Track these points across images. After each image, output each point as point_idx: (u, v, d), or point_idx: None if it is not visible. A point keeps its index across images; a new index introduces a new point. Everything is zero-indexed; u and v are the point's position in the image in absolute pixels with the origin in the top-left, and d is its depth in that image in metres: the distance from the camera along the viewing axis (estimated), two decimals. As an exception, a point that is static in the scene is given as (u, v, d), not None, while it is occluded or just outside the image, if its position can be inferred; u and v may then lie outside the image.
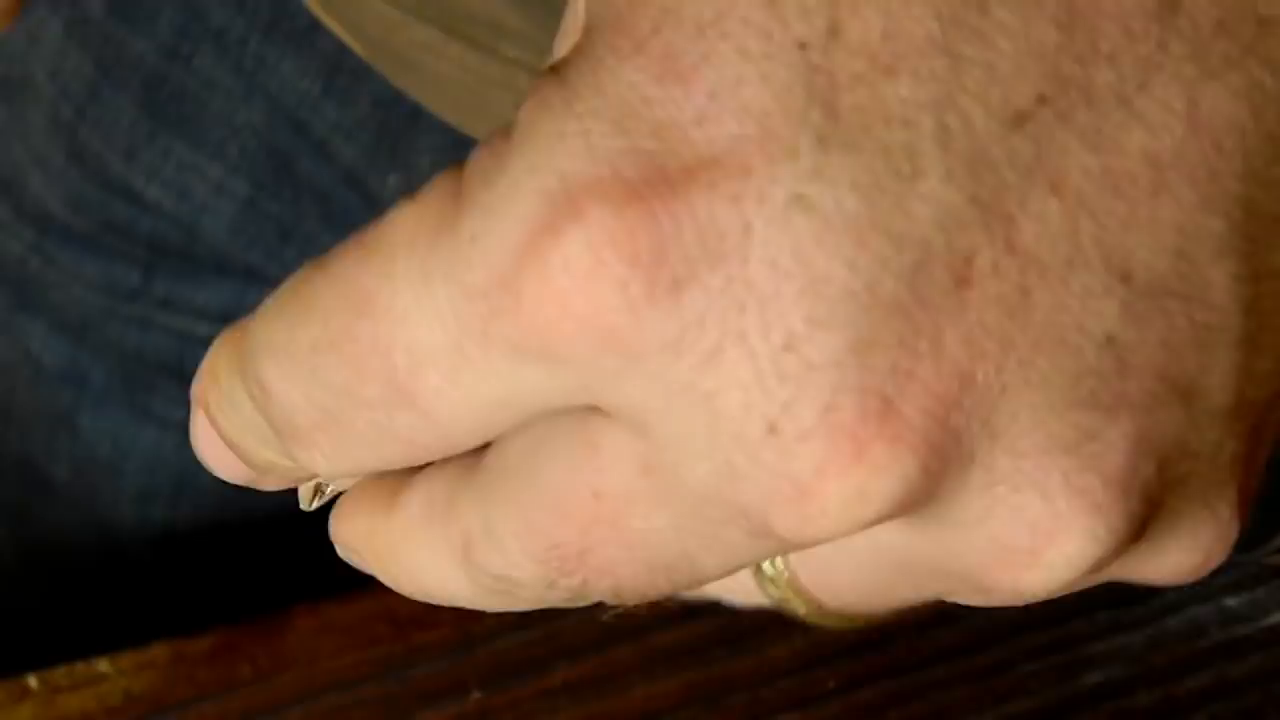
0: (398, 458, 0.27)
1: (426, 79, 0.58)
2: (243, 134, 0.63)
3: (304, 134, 0.62)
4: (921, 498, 0.24)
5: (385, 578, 0.30)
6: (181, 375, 0.67)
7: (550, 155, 0.24)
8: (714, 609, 0.56)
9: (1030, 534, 0.25)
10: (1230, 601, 0.56)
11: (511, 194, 0.24)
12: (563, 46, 0.26)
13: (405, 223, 0.26)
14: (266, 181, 0.63)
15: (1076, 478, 0.25)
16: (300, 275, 0.27)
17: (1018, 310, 0.24)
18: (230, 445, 0.29)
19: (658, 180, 0.23)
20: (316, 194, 0.63)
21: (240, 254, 0.64)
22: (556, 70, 0.25)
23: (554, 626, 0.56)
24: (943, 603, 0.58)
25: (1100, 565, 0.25)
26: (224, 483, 0.30)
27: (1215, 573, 0.33)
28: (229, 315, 0.65)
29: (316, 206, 0.63)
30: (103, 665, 0.54)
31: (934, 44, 0.23)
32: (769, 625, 0.56)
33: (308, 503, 0.32)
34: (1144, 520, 0.25)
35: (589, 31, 0.25)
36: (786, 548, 0.26)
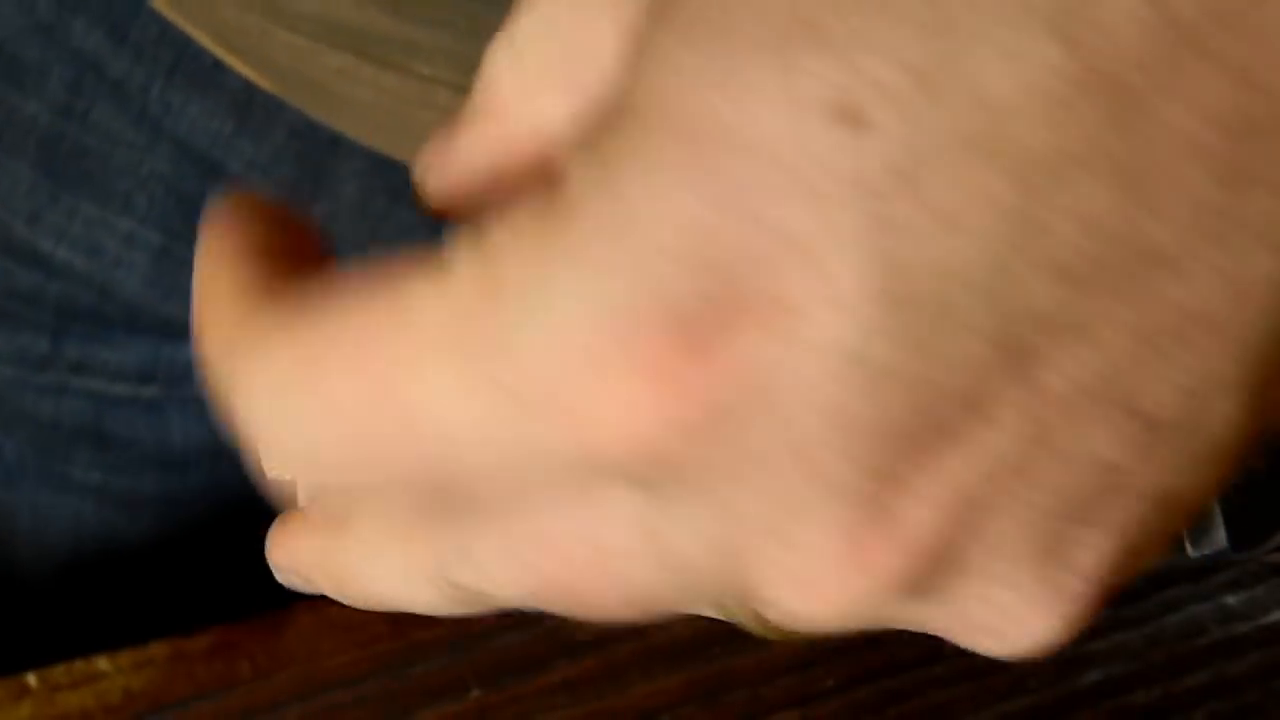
0: (412, 500, 0.27)
1: (343, 106, 0.57)
2: (150, 184, 0.62)
3: (219, 174, 0.61)
4: (909, 595, 0.26)
5: (339, 596, 0.30)
6: (100, 438, 0.66)
7: (601, 281, 0.24)
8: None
9: (999, 617, 0.27)
10: (1229, 599, 0.56)
11: (561, 312, 0.24)
12: (576, 99, 0.27)
13: (431, 310, 0.25)
14: (180, 229, 0.62)
15: (1053, 575, 0.26)
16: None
17: (1034, 442, 0.25)
18: None
19: (712, 317, 0.24)
20: None
21: (156, 307, 0.63)
22: (599, 156, 0.24)
23: (554, 624, 0.56)
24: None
25: (1056, 644, 0.27)
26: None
27: (1215, 570, 0.33)
28: (146, 372, 0.65)
29: None
30: (102, 663, 0.54)
31: (1001, 206, 0.23)
32: (768, 623, 0.56)
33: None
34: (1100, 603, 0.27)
35: (638, 121, 0.24)
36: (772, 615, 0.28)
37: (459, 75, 0.55)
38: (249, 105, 0.60)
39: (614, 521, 0.26)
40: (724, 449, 0.24)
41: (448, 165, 0.30)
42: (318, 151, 0.60)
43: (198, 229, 0.64)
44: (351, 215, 0.60)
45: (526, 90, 0.28)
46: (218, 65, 0.59)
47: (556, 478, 0.25)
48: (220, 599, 0.62)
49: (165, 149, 0.61)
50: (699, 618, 0.56)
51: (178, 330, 0.64)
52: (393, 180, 0.60)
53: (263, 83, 0.58)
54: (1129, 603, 0.57)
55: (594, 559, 0.26)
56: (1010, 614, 0.27)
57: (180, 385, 0.65)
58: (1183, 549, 0.35)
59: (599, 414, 0.24)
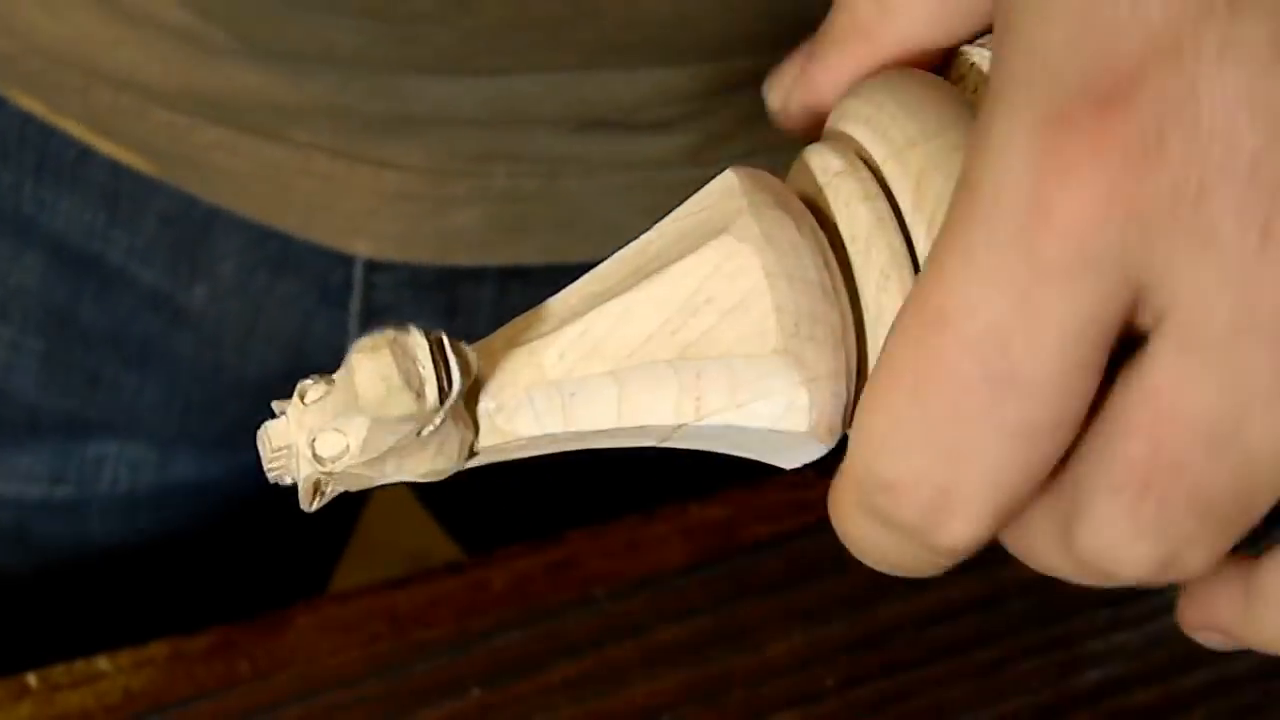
0: (1021, 462, 0.29)
1: (224, 179, 0.57)
2: (19, 296, 0.62)
3: (98, 267, 0.61)
4: None
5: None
6: (26, 544, 0.66)
7: (1030, 94, 0.29)
8: (712, 607, 0.56)
9: None
10: (1229, 599, 0.56)
11: (1009, 138, 0.29)
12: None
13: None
14: (55, 335, 0.62)
15: None
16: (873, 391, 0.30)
17: None
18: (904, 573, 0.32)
19: (1119, 76, 0.28)
20: (106, 335, 0.62)
21: (56, 405, 0.63)
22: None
23: (553, 624, 0.56)
24: (941, 600, 0.59)
25: None
26: None
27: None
28: (58, 473, 0.65)
29: (112, 349, 0.62)
30: (102, 663, 0.54)
31: None
32: (768, 623, 0.56)
33: (308, 504, 0.32)
34: None
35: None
36: None
37: (336, 140, 0.55)
38: (117, 195, 0.59)
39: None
40: (1171, 177, 0.28)
41: (813, 85, 0.35)
42: (192, 232, 0.59)
43: (72, 336, 0.61)
44: (233, 293, 0.60)
45: (886, 9, 0.34)
46: (80, 158, 0.58)
47: (1093, 320, 0.29)
48: (220, 599, 0.62)
49: (34, 256, 0.61)
50: (698, 616, 0.56)
51: (79, 428, 0.64)
52: (272, 252, 0.59)
53: (139, 164, 0.58)
54: (1129, 603, 0.57)
55: None
56: None
57: (91, 483, 0.65)
58: None
59: (1068, 193, 0.29)
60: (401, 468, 0.31)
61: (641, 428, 0.32)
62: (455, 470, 0.32)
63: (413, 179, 0.56)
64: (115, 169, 0.59)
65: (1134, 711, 0.54)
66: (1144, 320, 0.29)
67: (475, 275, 0.60)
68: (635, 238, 0.33)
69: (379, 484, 0.32)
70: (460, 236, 0.58)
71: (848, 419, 0.32)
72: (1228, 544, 0.30)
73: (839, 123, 0.34)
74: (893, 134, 0.32)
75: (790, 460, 0.33)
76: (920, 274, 0.30)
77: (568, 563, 0.58)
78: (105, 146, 0.58)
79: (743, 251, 0.32)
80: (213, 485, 0.67)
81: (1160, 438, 0.29)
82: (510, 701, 0.54)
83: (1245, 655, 0.55)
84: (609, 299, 0.32)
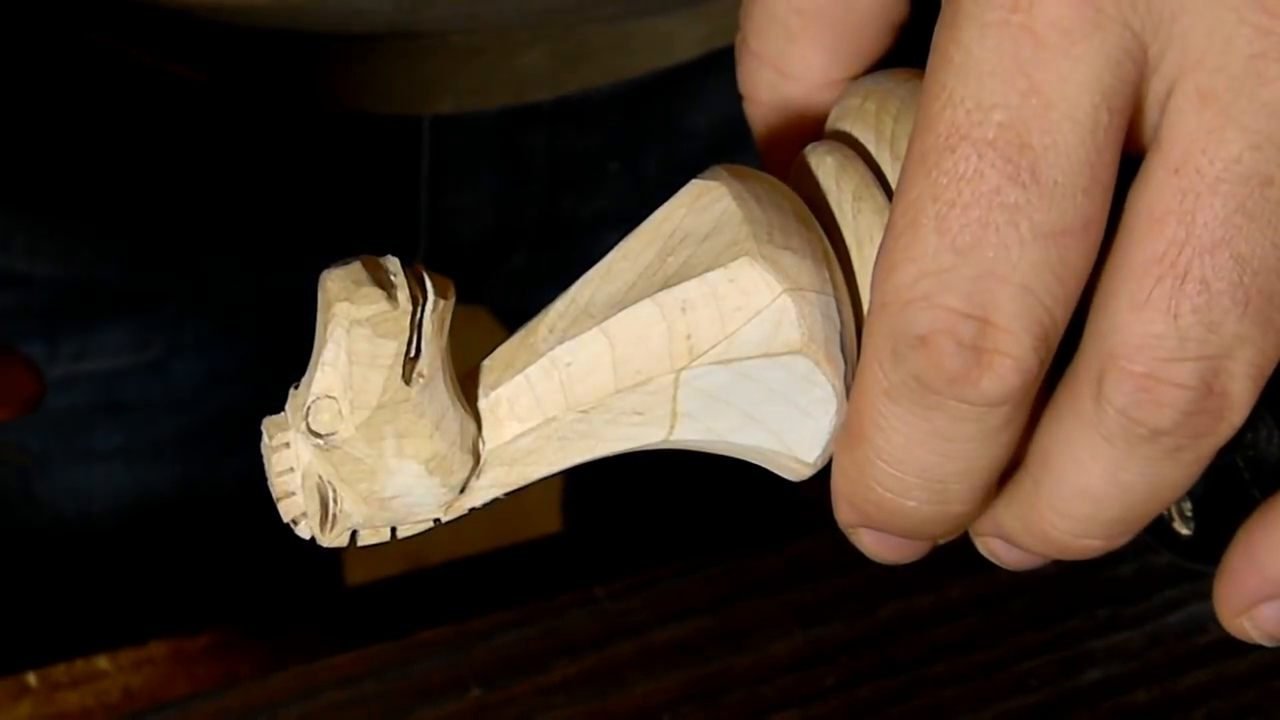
0: (1056, 268, 0.28)
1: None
2: (107, 188, 0.65)
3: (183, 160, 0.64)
4: None
5: None
6: (115, 407, 0.69)
7: None
8: (712, 607, 0.56)
9: None
10: (1229, 599, 0.56)
11: None
12: None
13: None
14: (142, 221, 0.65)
15: None
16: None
17: None
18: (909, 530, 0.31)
19: None
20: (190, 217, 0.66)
21: (140, 282, 0.67)
22: None
23: (553, 623, 0.56)
24: (941, 600, 0.59)
25: None
26: None
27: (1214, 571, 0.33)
28: (138, 341, 0.68)
29: (194, 230, 0.66)
30: (102, 662, 0.54)
31: None
32: (768, 622, 0.56)
33: (320, 528, 0.32)
34: None
35: None
36: None
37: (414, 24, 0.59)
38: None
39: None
40: None
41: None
42: None
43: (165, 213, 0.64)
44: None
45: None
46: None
47: (1115, 83, 0.28)
48: (221, 599, 0.62)
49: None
50: (698, 615, 0.56)
51: (160, 297, 0.67)
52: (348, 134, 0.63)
53: None
54: (1129, 603, 0.57)
55: None
56: None
57: (176, 336, 0.68)
58: (1177, 541, 0.35)
59: None
60: (402, 449, 0.31)
61: (642, 384, 0.31)
62: (462, 482, 0.32)
63: (481, 38, 0.59)
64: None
65: (1134, 711, 0.54)
66: (1157, 89, 0.28)
67: (530, 119, 0.62)
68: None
69: (389, 495, 0.31)
70: (529, 75, 0.60)
71: (850, 353, 0.31)
72: (1276, 347, 0.28)
73: (836, 122, 0.34)
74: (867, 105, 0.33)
75: (801, 442, 0.32)
76: (919, 104, 0.29)
77: (567, 562, 0.58)
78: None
79: (712, 187, 0.32)
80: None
81: (1192, 213, 0.27)
82: (510, 701, 0.54)
83: (1246, 654, 0.55)
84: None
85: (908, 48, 0.35)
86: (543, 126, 0.63)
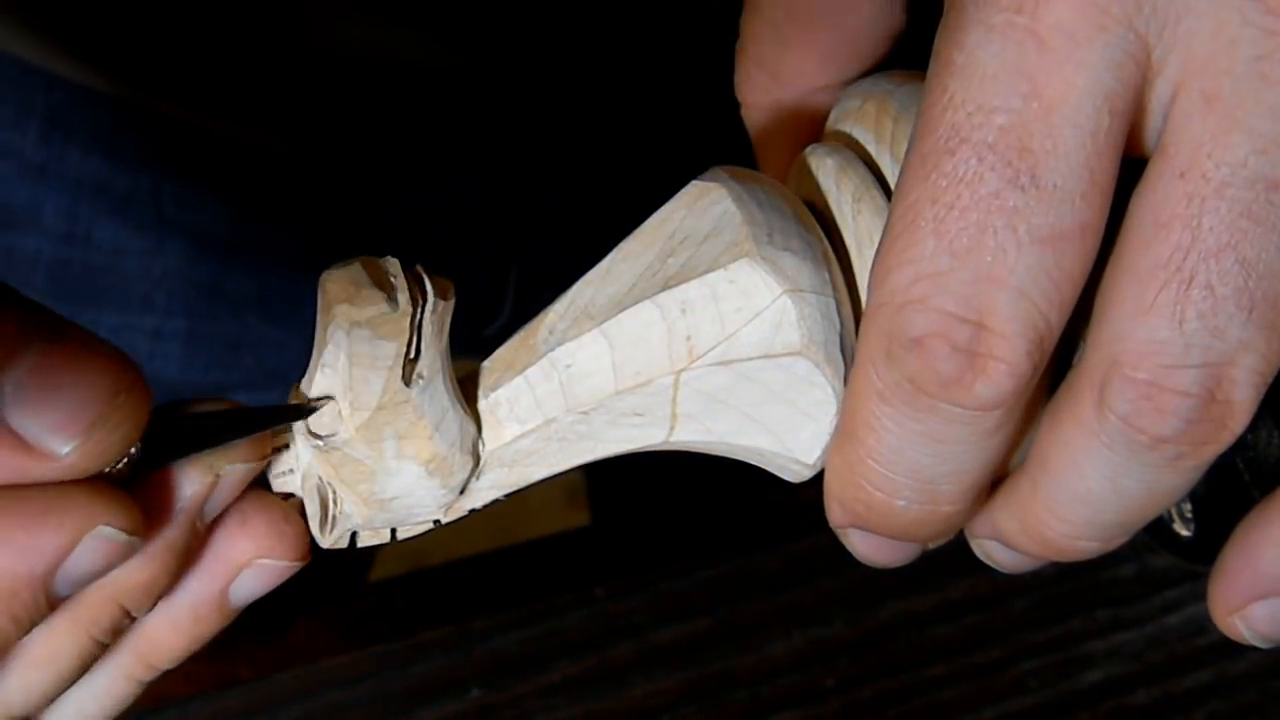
0: (1052, 273, 0.28)
1: None
2: (165, 280, 0.63)
3: (242, 244, 0.63)
4: None
5: None
6: None
7: None
8: (712, 607, 0.56)
9: None
10: (1229, 599, 0.56)
11: None
12: None
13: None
14: (200, 310, 0.64)
15: None
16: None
17: None
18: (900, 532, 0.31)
19: None
20: (251, 298, 0.65)
21: (197, 380, 0.65)
22: None
23: (553, 623, 0.56)
24: (941, 600, 0.58)
25: None
26: None
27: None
28: None
29: (256, 309, 0.65)
30: (102, 663, 0.54)
31: None
32: (768, 623, 0.56)
33: (320, 529, 0.32)
34: None
35: None
36: None
37: None
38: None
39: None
40: None
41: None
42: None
43: (219, 306, 0.66)
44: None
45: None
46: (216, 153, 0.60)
47: (1118, 85, 0.28)
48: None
49: (177, 243, 0.63)
50: (698, 616, 0.56)
51: (218, 393, 0.66)
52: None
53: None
54: (1129, 603, 0.57)
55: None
56: None
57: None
58: (1177, 542, 0.34)
59: None
60: (402, 450, 0.31)
61: (642, 385, 0.31)
62: (462, 483, 0.32)
63: None
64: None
65: (1134, 711, 0.54)
66: (1160, 92, 0.28)
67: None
68: None
69: (389, 497, 0.31)
70: None
71: (850, 355, 0.31)
72: (1279, 353, 0.28)
73: (836, 123, 0.34)
74: (867, 108, 0.33)
75: (801, 443, 0.32)
76: (920, 106, 0.29)
77: (568, 563, 0.58)
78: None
79: (711, 188, 0.32)
80: None
81: (1198, 217, 0.27)
82: (510, 701, 0.54)
83: (1246, 655, 0.55)
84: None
85: (906, 54, 0.35)
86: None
